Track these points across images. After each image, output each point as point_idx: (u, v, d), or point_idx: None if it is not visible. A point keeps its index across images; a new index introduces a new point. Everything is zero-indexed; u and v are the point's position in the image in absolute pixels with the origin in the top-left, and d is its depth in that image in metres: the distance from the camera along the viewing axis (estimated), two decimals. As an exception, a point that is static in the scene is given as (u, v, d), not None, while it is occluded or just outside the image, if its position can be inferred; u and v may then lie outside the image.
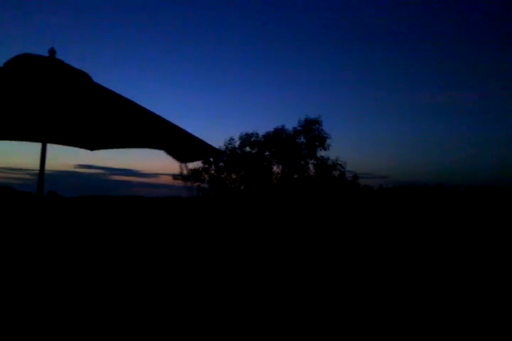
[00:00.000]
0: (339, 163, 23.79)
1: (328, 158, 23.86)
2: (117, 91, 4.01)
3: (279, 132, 23.88)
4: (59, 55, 3.60)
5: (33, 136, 4.61)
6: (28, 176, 33.49)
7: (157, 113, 4.60)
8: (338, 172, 24.01)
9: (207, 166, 24.43)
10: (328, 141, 23.56)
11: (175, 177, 24.88)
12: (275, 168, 24.28)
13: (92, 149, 5.39)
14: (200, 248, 10.71)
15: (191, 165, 24.62)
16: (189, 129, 4.98)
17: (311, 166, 24.09)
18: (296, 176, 24.13)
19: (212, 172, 24.56)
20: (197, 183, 24.48)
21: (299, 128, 23.72)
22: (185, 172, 24.20)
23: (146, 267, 7.87)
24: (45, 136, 4.21)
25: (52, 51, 3.52)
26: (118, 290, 6.07)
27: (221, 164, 24.32)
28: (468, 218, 24.38)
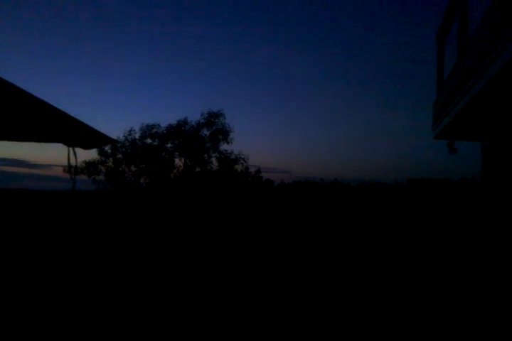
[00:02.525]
0: (242, 157, 24.09)
1: (232, 152, 24.05)
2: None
3: (181, 124, 23.38)
4: None
5: None
6: None
7: (47, 100, 4.12)
8: (241, 166, 24.35)
9: (104, 158, 23.08)
10: (232, 135, 23.73)
11: (67, 168, 23.14)
12: (177, 161, 23.80)
13: None
14: (95, 245, 10.00)
15: (85, 157, 23.18)
16: (86, 118, 4.54)
17: (214, 159, 24.06)
18: (198, 169, 23.90)
19: (110, 164, 23.29)
20: (92, 176, 23.02)
21: (203, 121, 23.48)
22: (77, 163, 22.57)
23: (25, 264, 7.10)
24: None
25: None
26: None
27: (119, 156, 23.15)
28: (358, 210, 26.27)
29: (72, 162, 6.73)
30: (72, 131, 5.88)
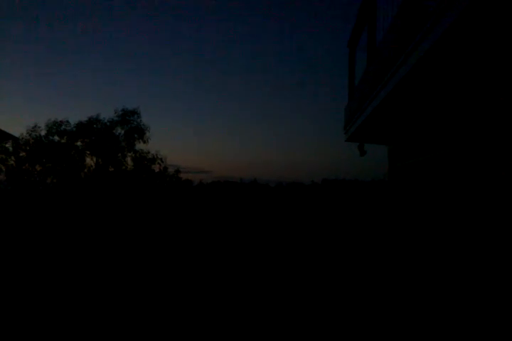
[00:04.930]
0: (159, 157, 23.37)
1: (148, 152, 23.18)
2: None
3: (93, 122, 22.01)
4: None
5: None
6: None
7: None
8: (158, 166, 23.60)
9: (4, 156, 21.00)
10: (149, 134, 22.89)
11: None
12: (88, 160, 22.40)
13: None
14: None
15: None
16: None
17: (129, 159, 23.02)
18: (112, 169, 22.72)
19: (11, 162, 21.27)
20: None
21: (116, 118, 22.34)
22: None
23: None
24: None
25: None
26: None
27: (22, 154, 21.22)
28: (275, 209, 26.83)
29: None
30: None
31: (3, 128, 12.39)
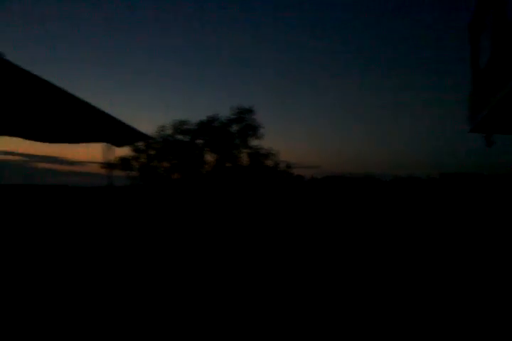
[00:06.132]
0: (272, 152, 24.18)
1: (262, 148, 24.18)
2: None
3: (212, 120, 23.61)
4: None
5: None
6: None
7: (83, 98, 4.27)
8: (271, 161, 24.47)
9: (137, 154, 23.62)
10: (262, 131, 23.82)
11: (103, 165, 23.85)
12: (208, 157, 24.08)
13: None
14: (133, 240, 10.26)
15: (119, 153, 23.82)
16: (117, 114, 4.74)
17: (244, 155, 24.23)
18: (229, 165, 24.09)
19: (143, 160, 23.82)
20: (126, 171, 23.64)
21: (232, 116, 23.65)
22: (112, 160, 23.22)
23: (67, 262, 7.36)
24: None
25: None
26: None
27: (152, 152, 23.63)
28: (392, 204, 25.81)
29: (110, 159, 6.84)
30: (114, 131, 6.05)
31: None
